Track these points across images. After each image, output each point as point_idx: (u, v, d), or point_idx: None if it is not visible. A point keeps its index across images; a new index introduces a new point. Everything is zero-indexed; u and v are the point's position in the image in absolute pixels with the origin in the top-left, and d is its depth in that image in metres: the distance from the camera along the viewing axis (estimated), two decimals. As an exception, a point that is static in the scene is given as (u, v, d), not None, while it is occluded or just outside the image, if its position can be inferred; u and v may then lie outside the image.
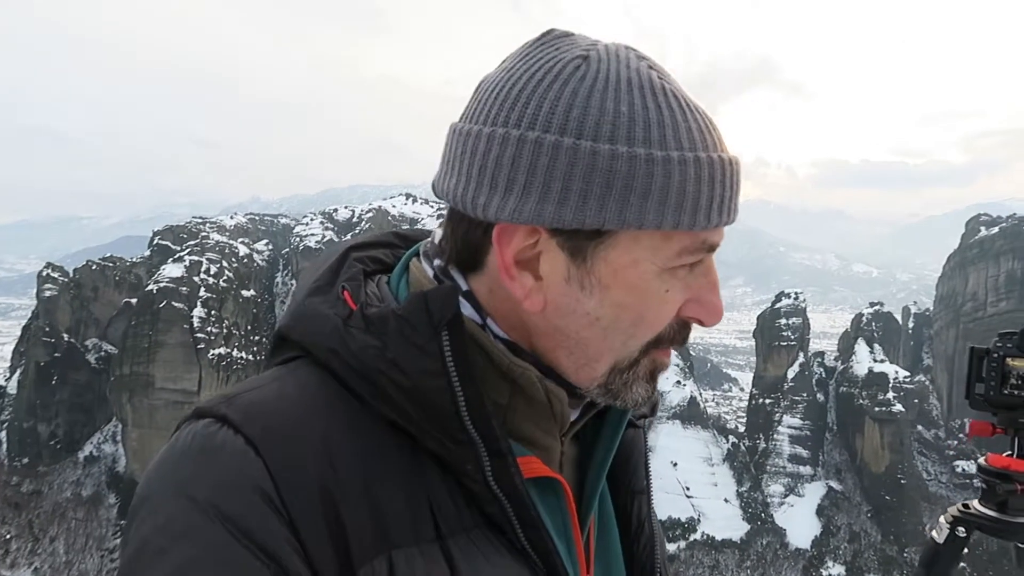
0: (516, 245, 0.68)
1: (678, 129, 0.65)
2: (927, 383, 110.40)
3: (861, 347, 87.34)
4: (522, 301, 0.69)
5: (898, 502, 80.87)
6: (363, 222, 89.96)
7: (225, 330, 74.03)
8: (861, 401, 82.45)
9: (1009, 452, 1.22)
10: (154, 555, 0.58)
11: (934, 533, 1.28)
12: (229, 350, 73.31)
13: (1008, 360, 1.18)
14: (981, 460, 1.26)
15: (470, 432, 0.65)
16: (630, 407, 0.73)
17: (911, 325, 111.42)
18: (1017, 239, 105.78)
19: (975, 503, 1.25)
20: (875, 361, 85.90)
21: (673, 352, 0.75)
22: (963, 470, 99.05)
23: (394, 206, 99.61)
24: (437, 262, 0.74)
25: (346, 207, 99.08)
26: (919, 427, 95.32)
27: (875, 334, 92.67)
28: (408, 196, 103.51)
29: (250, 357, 74.32)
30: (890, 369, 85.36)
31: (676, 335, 0.71)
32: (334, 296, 0.70)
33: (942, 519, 1.28)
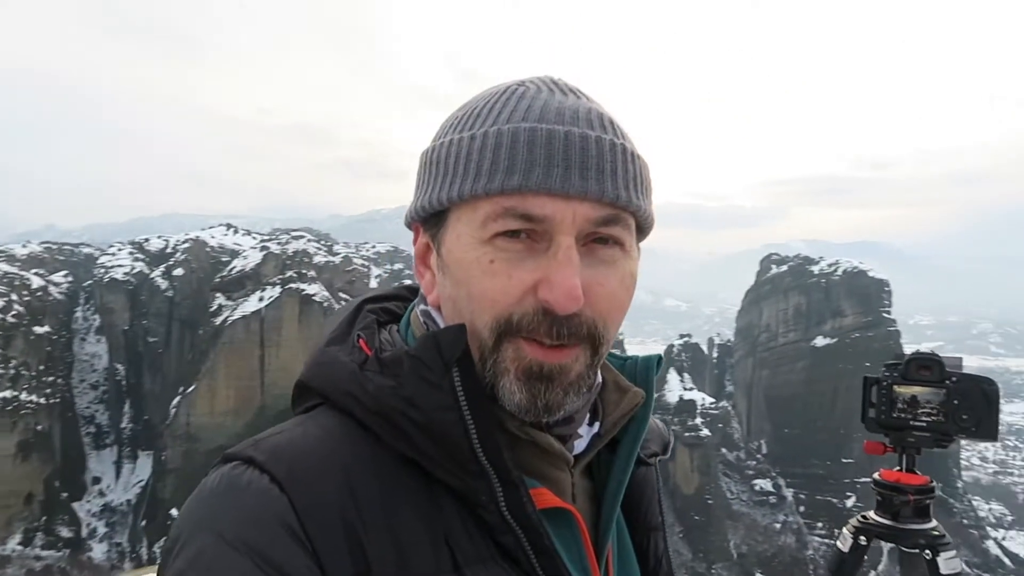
0: (418, 245, 0.80)
1: (492, 112, 0.71)
2: (729, 408, 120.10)
3: (672, 376, 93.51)
4: (427, 296, 0.78)
5: (706, 521, 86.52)
6: (178, 252, 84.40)
7: (12, 370, 66.54)
8: (673, 427, 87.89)
9: (899, 468, 1.40)
10: None
11: (839, 543, 1.47)
12: (16, 393, 65.88)
13: (895, 387, 1.35)
14: (876, 475, 1.45)
15: (483, 463, 0.67)
16: (517, 413, 0.72)
17: (715, 355, 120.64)
18: (801, 276, 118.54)
19: (871, 514, 1.43)
20: (685, 389, 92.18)
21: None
22: (760, 488, 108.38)
23: (213, 236, 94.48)
24: (422, 307, 0.80)
25: (159, 237, 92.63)
26: (723, 449, 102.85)
27: (684, 364, 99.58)
28: (229, 227, 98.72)
29: (42, 400, 67.20)
30: (698, 396, 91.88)
31: (536, 323, 0.69)
32: (350, 344, 0.75)
33: (845, 530, 1.45)
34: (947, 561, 1.33)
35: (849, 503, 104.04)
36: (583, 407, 0.77)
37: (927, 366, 1.33)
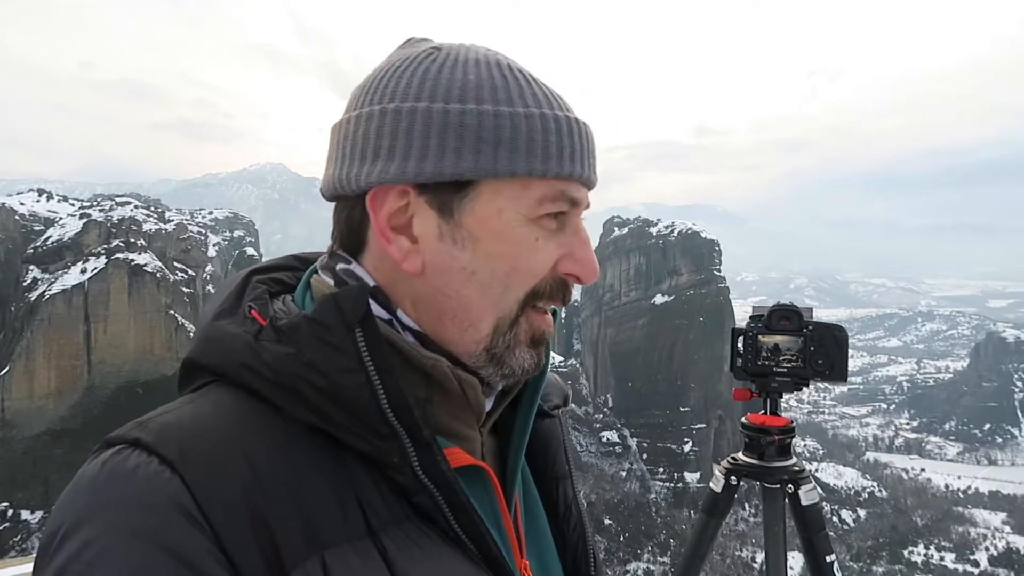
0: (389, 208, 0.72)
1: (523, 92, 0.72)
2: (578, 366, 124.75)
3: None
4: (401, 263, 0.73)
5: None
6: (-19, 221, 75.93)
7: None
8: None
9: (763, 411, 1.50)
10: None
11: (712, 484, 1.57)
12: None
13: (760, 337, 1.45)
14: (743, 419, 1.53)
15: (393, 425, 0.65)
16: (519, 375, 0.75)
17: (563, 314, 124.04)
18: (641, 238, 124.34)
19: (740, 455, 1.54)
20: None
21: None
22: (607, 440, 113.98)
23: (23, 203, 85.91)
24: (340, 266, 0.77)
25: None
26: (572, 405, 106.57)
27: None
28: (41, 192, 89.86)
29: None
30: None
31: (555, 292, 0.74)
32: (241, 316, 0.71)
33: (717, 471, 1.56)
34: (807, 493, 1.47)
35: (687, 448, 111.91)
36: None
37: (787, 316, 1.44)
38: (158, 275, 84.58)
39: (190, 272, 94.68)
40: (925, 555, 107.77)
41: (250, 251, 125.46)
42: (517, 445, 0.82)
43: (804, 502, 1.46)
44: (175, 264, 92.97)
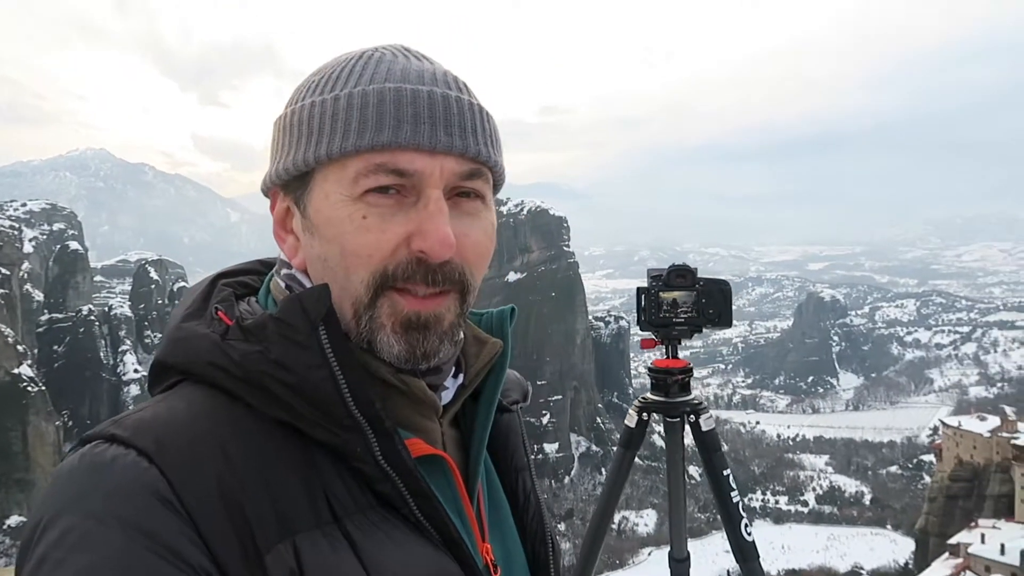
0: (278, 209, 0.80)
1: (357, 74, 0.73)
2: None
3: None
4: (291, 260, 0.79)
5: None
6: None
7: None
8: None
9: (665, 356, 1.74)
10: (52, 569, 0.57)
11: (627, 420, 1.79)
12: None
13: (660, 293, 1.67)
14: (650, 364, 1.79)
15: (356, 417, 0.68)
16: (397, 363, 0.74)
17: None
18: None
19: (648, 394, 1.77)
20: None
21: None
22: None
23: None
24: (284, 271, 0.81)
25: None
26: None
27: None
28: None
29: None
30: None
31: (411, 271, 0.72)
32: (208, 317, 0.74)
33: (631, 409, 1.79)
34: (706, 420, 1.72)
35: (545, 420, 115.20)
36: (450, 359, 0.80)
37: (683, 275, 1.66)
38: (-36, 276, 76.07)
39: (3, 271, 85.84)
40: (763, 500, 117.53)
41: (74, 245, 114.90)
42: (479, 437, 0.84)
43: (704, 428, 1.71)
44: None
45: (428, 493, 0.71)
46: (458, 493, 0.79)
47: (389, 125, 0.70)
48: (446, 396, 0.81)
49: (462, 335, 0.80)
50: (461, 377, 0.84)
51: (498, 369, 0.85)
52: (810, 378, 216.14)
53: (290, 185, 0.76)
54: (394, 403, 0.76)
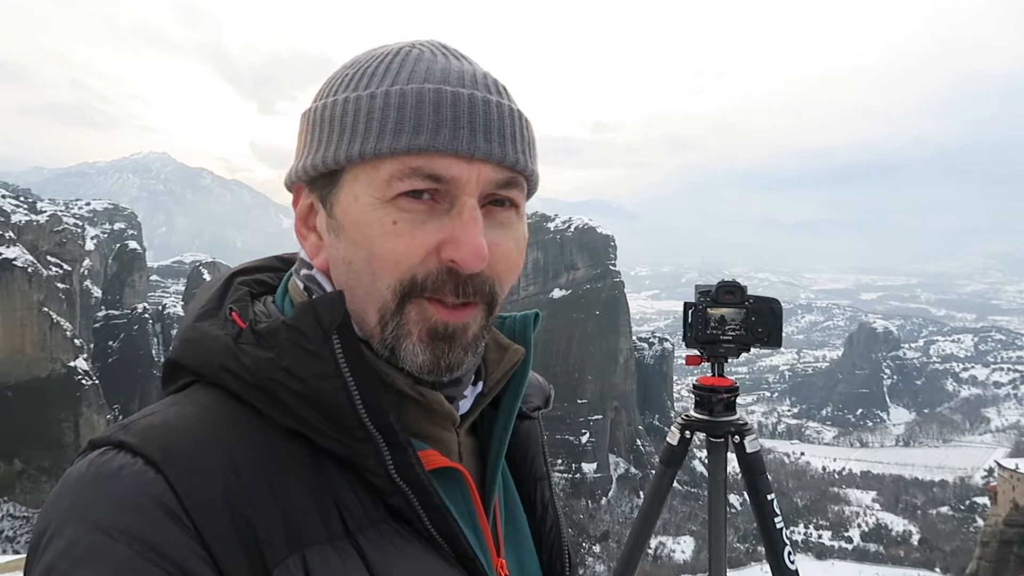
0: (301, 206, 0.76)
1: (395, 72, 0.70)
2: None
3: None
4: (312, 259, 0.76)
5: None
6: None
7: None
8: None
9: (711, 374, 1.71)
10: None
11: (669, 438, 1.77)
12: None
13: (708, 309, 1.64)
14: (695, 381, 1.75)
15: (368, 428, 0.66)
16: (419, 373, 0.71)
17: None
18: (539, 233, 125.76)
19: (692, 412, 1.74)
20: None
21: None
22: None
23: None
24: (304, 271, 0.78)
25: None
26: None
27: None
28: None
29: None
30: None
31: (441, 282, 0.69)
32: (222, 318, 0.72)
33: (673, 427, 1.77)
34: (751, 442, 1.67)
35: (584, 439, 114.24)
36: (471, 370, 0.78)
37: (731, 292, 1.63)
38: (29, 270, 78.81)
39: (65, 267, 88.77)
40: (805, 534, 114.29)
41: (132, 244, 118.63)
42: (497, 446, 0.82)
43: (749, 450, 1.66)
44: (48, 258, 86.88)
45: (442, 508, 0.69)
46: (473, 507, 0.76)
47: (428, 128, 0.67)
48: (464, 405, 0.79)
49: (483, 346, 0.78)
50: (480, 384, 0.82)
51: (520, 376, 0.83)
52: (859, 410, 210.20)
53: (317, 182, 0.73)
54: (409, 414, 0.73)
